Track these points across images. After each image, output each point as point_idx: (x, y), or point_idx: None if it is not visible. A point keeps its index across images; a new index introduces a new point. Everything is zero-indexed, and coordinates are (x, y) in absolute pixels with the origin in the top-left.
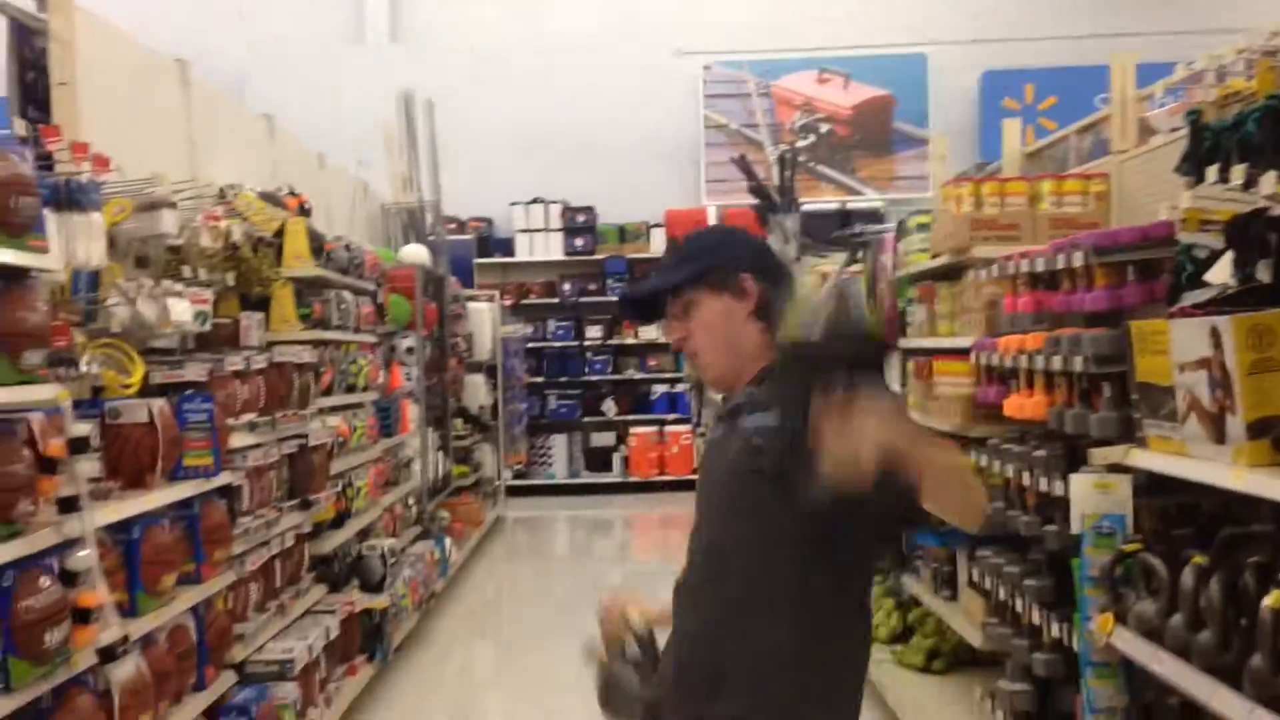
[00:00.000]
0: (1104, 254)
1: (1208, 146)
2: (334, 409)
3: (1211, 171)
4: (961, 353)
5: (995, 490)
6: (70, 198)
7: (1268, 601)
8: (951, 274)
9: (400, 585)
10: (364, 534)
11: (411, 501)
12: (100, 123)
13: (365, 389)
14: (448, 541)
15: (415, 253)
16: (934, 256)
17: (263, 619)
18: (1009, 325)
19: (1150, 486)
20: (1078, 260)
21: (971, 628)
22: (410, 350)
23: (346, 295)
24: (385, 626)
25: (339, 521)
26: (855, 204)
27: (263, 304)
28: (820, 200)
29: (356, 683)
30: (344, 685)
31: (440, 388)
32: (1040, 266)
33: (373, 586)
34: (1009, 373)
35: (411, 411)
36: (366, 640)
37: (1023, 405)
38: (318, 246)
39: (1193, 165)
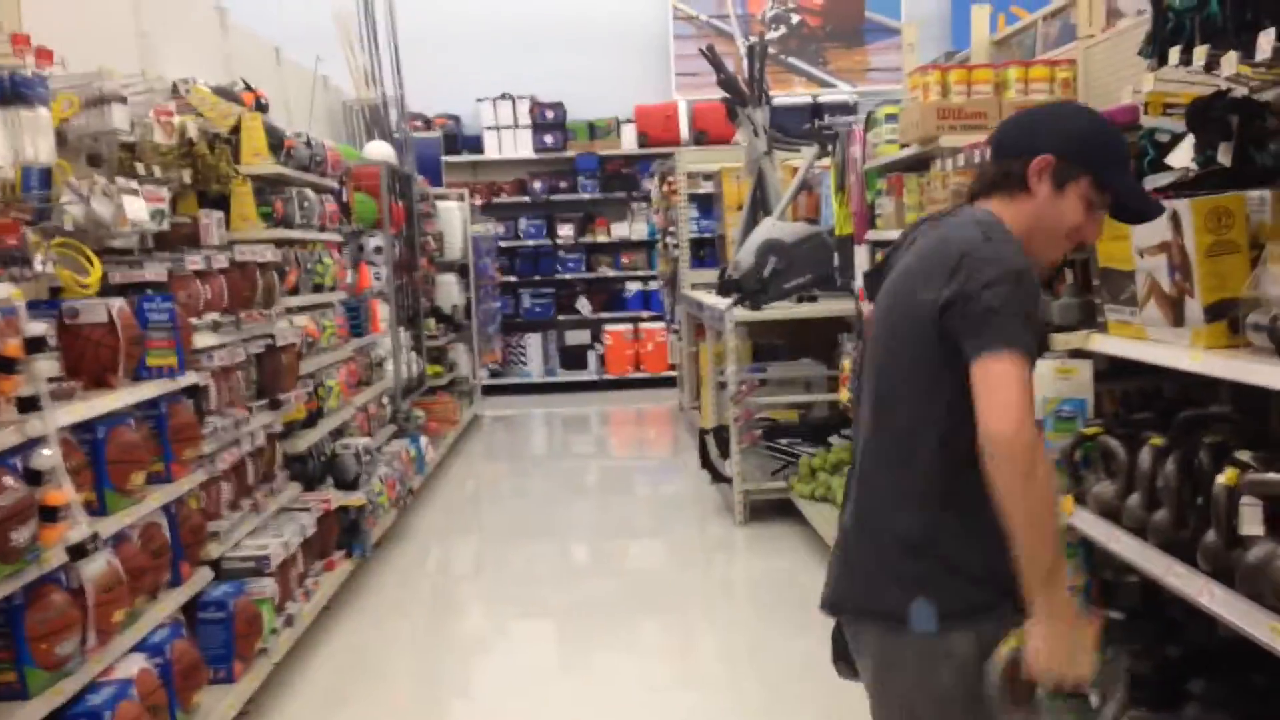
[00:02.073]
0: None
1: (1170, 28)
2: (301, 309)
3: (1174, 54)
4: None
5: None
6: (14, 92)
7: (1221, 479)
8: (920, 165)
9: (376, 483)
10: (338, 433)
11: (385, 401)
12: (42, 15)
13: (333, 289)
14: (423, 440)
15: (380, 150)
16: (902, 147)
17: (237, 517)
18: None
19: (1111, 371)
20: None
21: None
22: (378, 250)
23: (309, 193)
24: (362, 523)
25: (311, 421)
26: (827, 97)
27: (222, 203)
28: (791, 94)
29: (335, 578)
30: (322, 580)
31: (411, 287)
32: None
33: (348, 484)
34: None
35: (382, 311)
36: (344, 537)
37: None
38: (276, 143)
39: (1155, 47)
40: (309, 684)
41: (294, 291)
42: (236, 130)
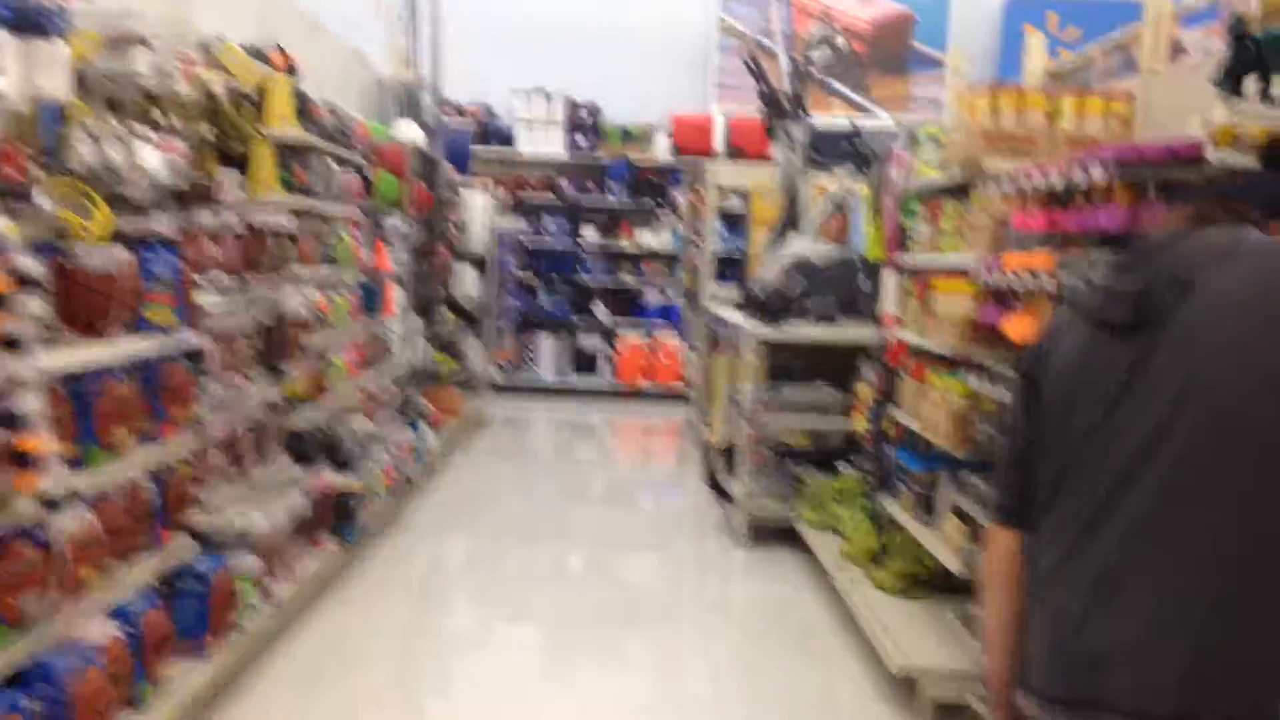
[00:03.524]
0: (1126, 169)
1: (1248, 59)
2: (313, 281)
3: (1250, 84)
4: (964, 272)
5: (986, 415)
6: (31, 20)
7: None
8: (960, 192)
9: (374, 468)
10: (339, 413)
11: (392, 386)
12: None
13: (348, 265)
14: (427, 430)
15: (409, 131)
16: (944, 169)
17: (227, 487)
18: (1016, 245)
19: None
20: (1097, 175)
21: (950, 553)
22: (398, 231)
23: (332, 164)
24: (356, 508)
25: (313, 397)
26: (867, 124)
27: (242, 166)
28: (830, 116)
29: (322, 560)
30: (309, 563)
31: (429, 274)
32: (1056, 181)
33: (345, 466)
34: (1012, 293)
35: (396, 295)
36: (336, 519)
37: (1024, 326)
38: (303, 108)
39: (1231, 78)
40: (286, 665)
41: (307, 262)
42: (264, 93)
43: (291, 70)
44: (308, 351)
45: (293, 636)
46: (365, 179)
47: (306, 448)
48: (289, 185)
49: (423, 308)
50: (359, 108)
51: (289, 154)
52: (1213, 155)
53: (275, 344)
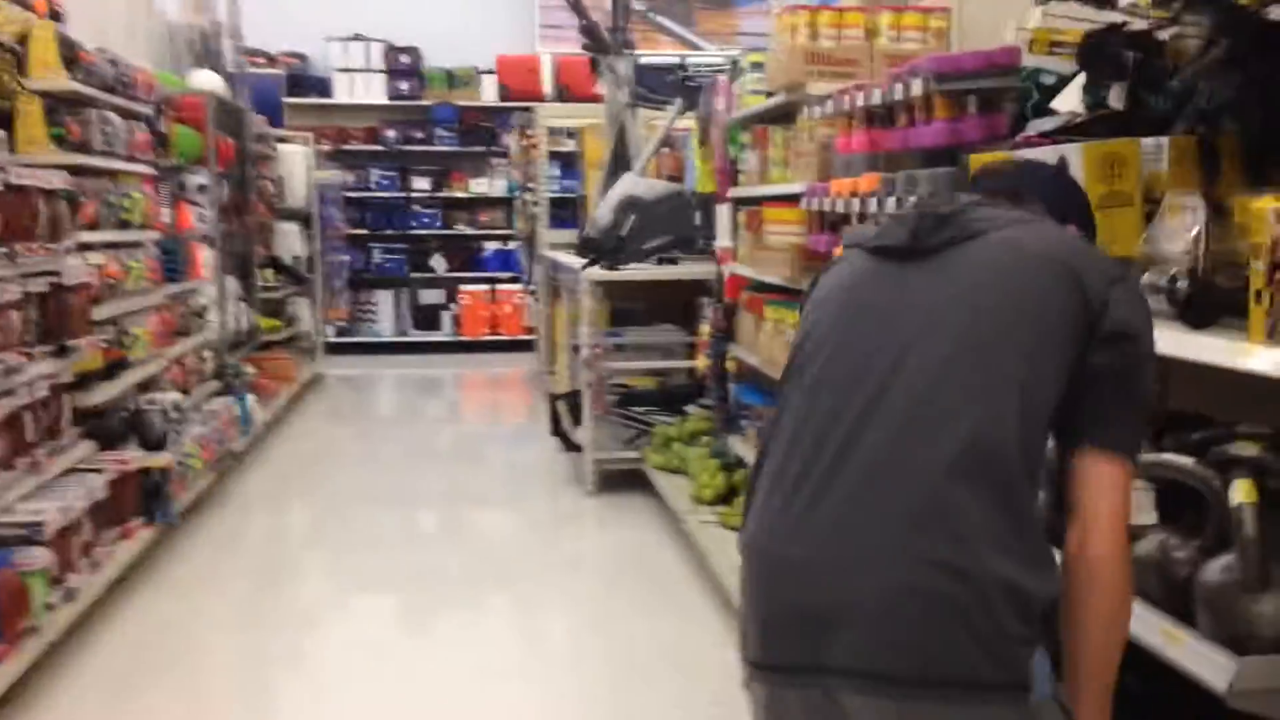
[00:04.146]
0: (945, 81)
1: None
2: (99, 246)
3: None
4: (793, 199)
5: None
6: None
7: None
8: (786, 117)
9: (188, 443)
10: (146, 387)
11: (207, 354)
12: None
13: (143, 227)
14: (250, 398)
15: (207, 80)
16: (769, 95)
17: (9, 477)
18: (843, 169)
19: None
20: (916, 89)
21: None
22: (202, 189)
23: (114, 118)
24: (167, 487)
25: (111, 372)
26: (695, 59)
27: (6, 122)
28: (658, 53)
29: (132, 547)
30: (116, 550)
31: (242, 233)
32: (876, 99)
33: (153, 444)
34: (841, 219)
35: (205, 256)
36: (145, 502)
37: None
38: (70, 56)
39: None
40: (95, 666)
41: (92, 226)
42: (25, 40)
43: (55, 15)
44: (98, 323)
45: (102, 634)
46: (157, 133)
47: (108, 427)
48: (63, 142)
49: (240, 269)
50: (148, 56)
51: (60, 108)
52: (1029, 60)
53: (56, 316)
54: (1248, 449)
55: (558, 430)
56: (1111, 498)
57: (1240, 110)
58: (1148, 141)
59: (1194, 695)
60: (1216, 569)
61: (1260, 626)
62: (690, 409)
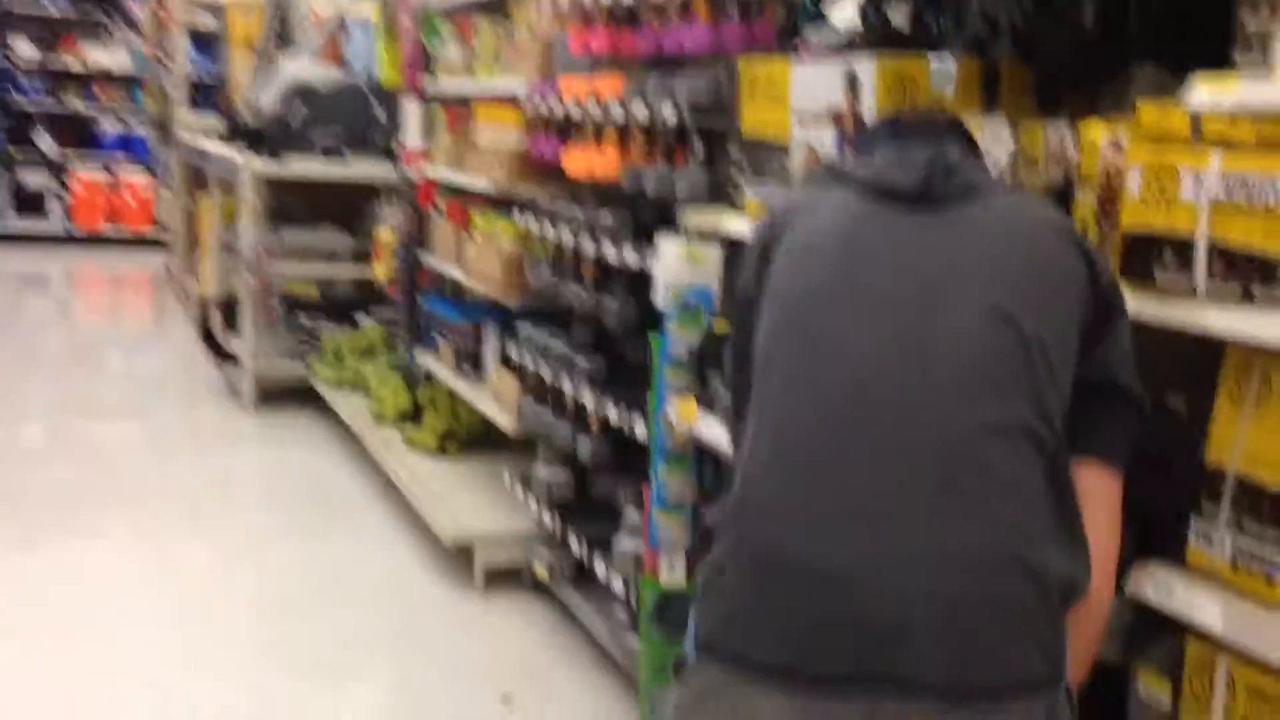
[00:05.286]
0: None
1: None
2: None
3: None
4: (510, 100)
5: (543, 260)
6: None
7: None
8: (497, 9)
9: None
10: None
11: None
12: None
13: None
14: None
15: None
16: None
17: None
18: (570, 68)
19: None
20: None
21: (502, 410)
22: None
23: None
24: None
25: None
26: None
27: None
28: None
29: None
30: None
31: None
32: None
33: None
34: (572, 124)
35: None
36: None
37: (590, 161)
38: None
39: None
40: None
41: None
42: None
43: None
44: None
45: None
46: None
47: None
48: None
49: None
50: None
51: None
52: None
53: None
54: None
55: (209, 339)
56: (1106, 519)
57: (1030, 34)
58: (934, 62)
59: None
60: None
61: None
62: (361, 320)
